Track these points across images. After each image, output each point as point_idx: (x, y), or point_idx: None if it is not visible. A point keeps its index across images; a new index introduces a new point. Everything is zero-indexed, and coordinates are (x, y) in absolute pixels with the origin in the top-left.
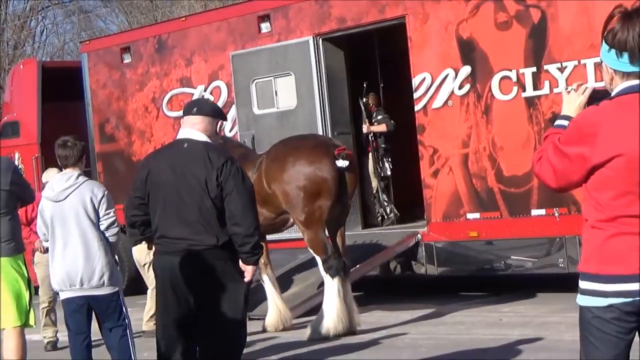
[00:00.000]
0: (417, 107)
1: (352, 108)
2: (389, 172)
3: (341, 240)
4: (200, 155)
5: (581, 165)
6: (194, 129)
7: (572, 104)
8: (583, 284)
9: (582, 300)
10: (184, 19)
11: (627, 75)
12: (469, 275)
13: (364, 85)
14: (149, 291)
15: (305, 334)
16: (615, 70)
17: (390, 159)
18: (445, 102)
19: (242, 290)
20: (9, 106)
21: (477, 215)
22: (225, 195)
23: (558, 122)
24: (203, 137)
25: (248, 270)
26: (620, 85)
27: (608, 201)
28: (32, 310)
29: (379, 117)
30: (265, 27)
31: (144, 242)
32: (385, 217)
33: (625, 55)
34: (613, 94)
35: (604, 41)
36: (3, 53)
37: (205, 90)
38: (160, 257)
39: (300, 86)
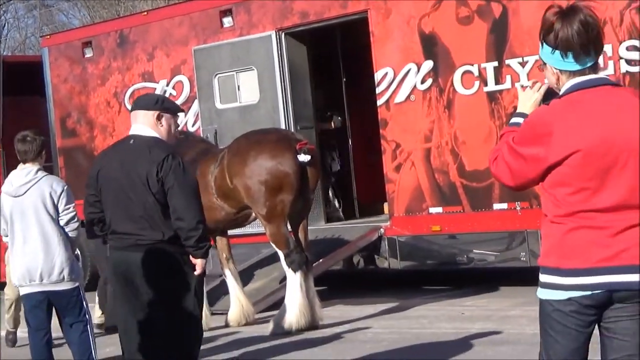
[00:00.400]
0: (379, 102)
1: (314, 103)
2: (338, 168)
3: (303, 234)
4: (143, 150)
5: (537, 165)
6: (138, 124)
7: (527, 101)
8: (543, 277)
9: (542, 293)
10: (145, 13)
11: (573, 73)
12: (432, 269)
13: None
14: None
15: (267, 328)
16: (561, 70)
17: (338, 155)
18: (408, 97)
19: (191, 284)
20: None
21: (439, 209)
22: (167, 190)
23: (513, 119)
24: (149, 132)
25: (198, 264)
26: (567, 83)
27: (565, 197)
28: None
29: (327, 114)
30: (227, 21)
31: None
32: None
33: (570, 55)
34: (562, 92)
35: (544, 43)
36: None
37: (167, 85)
38: (112, 252)
39: (262, 81)
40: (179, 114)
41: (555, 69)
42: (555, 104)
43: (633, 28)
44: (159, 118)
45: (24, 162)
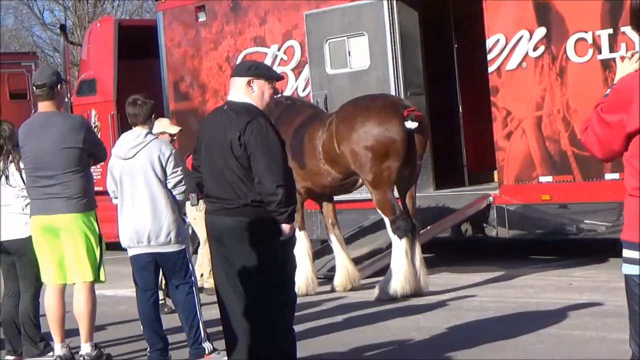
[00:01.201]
0: (490, 69)
1: (425, 69)
2: None
3: (411, 201)
4: (231, 116)
5: (620, 132)
6: (233, 90)
7: (625, 71)
8: (625, 252)
9: (625, 268)
10: None
11: None
12: (541, 239)
13: None
14: (200, 246)
15: (373, 294)
16: None
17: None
18: (520, 64)
19: (276, 248)
20: (86, 64)
21: (549, 178)
22: (249, 155)
23: (608, 91)
24: (239, 97)
25: (283, 229)
26: None
27: None
28: (102, 266)
29: None
30: None
31: None
32: None
33: None
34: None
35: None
36: (83, 11)
37: (278, 50)
38: (206, 216)
39: (373, 46)
40: (274, 79)
41: None
42: None
43: None
44: (249, 84)
45: (134, 125)
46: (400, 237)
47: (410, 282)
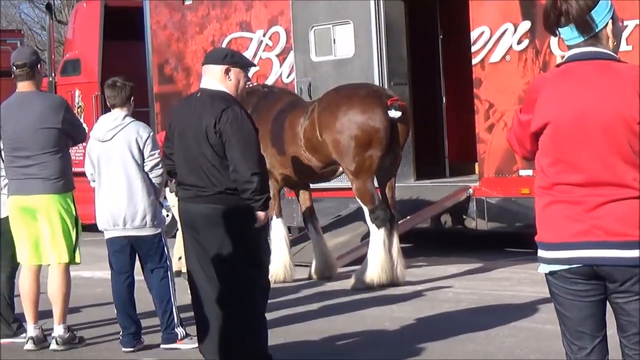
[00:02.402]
0: (474, 61)
1: (409, 59)
2: None
3: (390, 192)
4: (205, 103)
5: (528, 131)
6: (207, 77)
7: None
8: (538, 251)
9: (540, 268)
10: None
11: (575, 45)
12: (520, 232)
13: None
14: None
15: (349, 283)
16: (564, 41)
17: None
18: (503, 57)
19: (250, 235)
20: (71, 43)
21: (529, 172)
22: (224, 142)
23: None
24: (214, 85)
25: (258, 216)
26: (568, 52)
27: (546, 168)
28: (78, 248)
29: None
30: None
31: None
32: None
33: (570, 27)
34: (562, 61)
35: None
36: None
37: (264, 36)
38: (179, 203)
39: (358, 35)
40: (249, 68)
41: (564, 40)
42: (551, 71)
43: None
44: (227, 72)
45: (113, 107)
46: (379, 227)
47: (386, 272)
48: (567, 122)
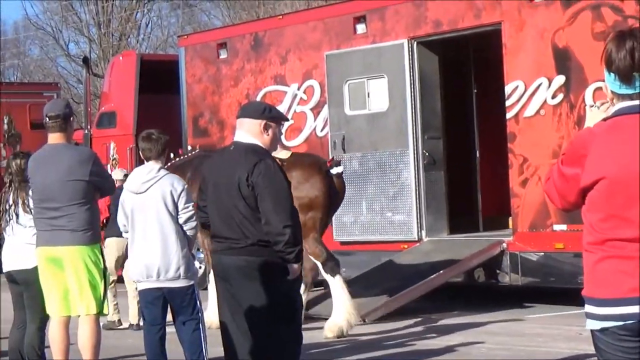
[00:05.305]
0: (508, 115)
1: (443, 112)
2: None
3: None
4: (239, 156)
5: (575, 186)
6: (241, 131)
7: (593, 120)
8: (586, 307)
9: (587, 323)
10: (280, 17)
11: (622, 97)
12: (553, 287)
13: None
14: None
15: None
16: (613, 92)
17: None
18: (538, 111)
19: (283, 287)
20: (107, 96)
21: (564, 227)
22: (257, 195)
23: None
24: (248, 139)
25: (291, 268)
26: (616, 105)
27: (597, 223)
28: (106, 299)
29: None
30: (360, 28)
31: None
32: None
33: (620, 78)
34: (610, 115)
35: (605, 65)
36: (108, 44)
37: (298, 89)
38: (213, 256)
39: (392, 89)
40: (284, 122)
41: (609, 89)
42: (599, 125)
43: None
44: (266, 127)
45: (147, 159)
46: (334, 275)
47: (354, 315)
48: (622, 178)
